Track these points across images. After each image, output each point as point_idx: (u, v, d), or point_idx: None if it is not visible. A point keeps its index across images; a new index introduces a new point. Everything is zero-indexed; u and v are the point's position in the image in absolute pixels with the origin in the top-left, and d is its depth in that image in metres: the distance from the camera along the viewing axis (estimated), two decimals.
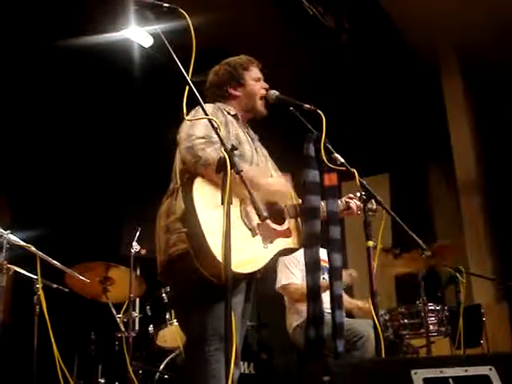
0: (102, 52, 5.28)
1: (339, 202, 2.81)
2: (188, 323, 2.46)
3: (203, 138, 2.35)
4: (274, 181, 2.65)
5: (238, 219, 2.38)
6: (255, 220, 2.39)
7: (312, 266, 2.61)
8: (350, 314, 4.51)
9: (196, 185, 2.30)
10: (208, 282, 2.20)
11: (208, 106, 2.54)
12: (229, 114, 2.67)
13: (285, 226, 2.57)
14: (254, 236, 2.41)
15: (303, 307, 3.96)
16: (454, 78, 6.87)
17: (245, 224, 2.39)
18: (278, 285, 4.19)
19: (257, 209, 2.00)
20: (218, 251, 2.12)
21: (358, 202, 2.81)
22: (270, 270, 2.54)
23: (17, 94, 5.18)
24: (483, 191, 6.71)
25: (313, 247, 2.61)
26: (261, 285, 2.79)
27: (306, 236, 2.61)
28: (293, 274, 4.12)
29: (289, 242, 2.58)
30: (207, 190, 2.30)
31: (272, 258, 2.46)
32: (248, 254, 2.35)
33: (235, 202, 2.33)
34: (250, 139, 2.71)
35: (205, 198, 2.28)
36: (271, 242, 2.48)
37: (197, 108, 2.40)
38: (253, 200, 2.01)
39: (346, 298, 4.12)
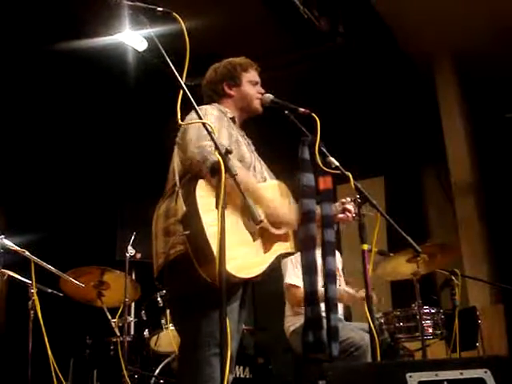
0: (96, 56, 5.27)
1: (333, 205, 2.80)
2: (185, 326, 2.43)
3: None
4: (267, 188, 2.62)
5: (240, 223, 2.36)
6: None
7: (309, 270, 2.60)
8: (347, 317, 4.50)
9: (199, 187, 2.25)
10: (207, 284, 2.16)
11: (212, 109, 2.53)
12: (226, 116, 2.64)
13: (283, 230, 2.55)
14: (254, 240, 2.40)
15: (302, 310, 3.94)
16: (448, 81, 6.88)
17: (246, 228, 2.37)
18: (286, 280, 4.05)
19: (251, 212, 1.98)
20: None
21: (352, 207, 2.78)
22: (266, 274, 2.53)
23: (10, 98, 5.16)
24: (478, 193, 6.72)
25: (309, 251, 2.60)
26: (258, 289, 2.78)
27: (302, 240, 2.60)
28: (299, 279, 4.03)
29: (287, 246, 2.56)
30: (210, 192, 2.24)
31: (271, 263, 2.44)
32: (250, 259, 2.34)
33: (237, 206, 2.32)
34: (246, 142, 2.69)
35: (208, 200, 2.21)
36: (271, 247, 2.47)
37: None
38: (247, 204, 1.99)
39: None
